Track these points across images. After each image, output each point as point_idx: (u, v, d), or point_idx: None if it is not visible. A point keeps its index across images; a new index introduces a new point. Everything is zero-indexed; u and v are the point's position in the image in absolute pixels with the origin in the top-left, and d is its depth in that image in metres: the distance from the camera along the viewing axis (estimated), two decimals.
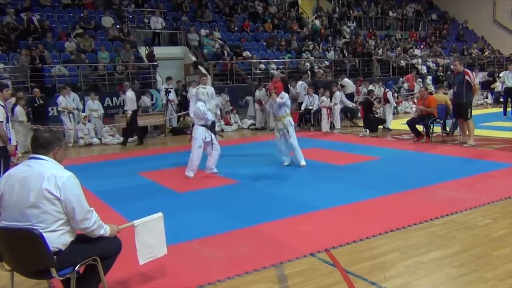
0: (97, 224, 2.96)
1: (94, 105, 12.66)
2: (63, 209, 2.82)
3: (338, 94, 13.15)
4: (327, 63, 19.03)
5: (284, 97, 7.75)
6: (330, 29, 22.23)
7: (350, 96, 14.52)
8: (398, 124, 12.82)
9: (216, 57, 16.99)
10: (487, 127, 11.41)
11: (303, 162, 7.90)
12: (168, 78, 14.21)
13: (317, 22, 21.78)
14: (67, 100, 12.35)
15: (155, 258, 3.50)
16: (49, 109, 12.79)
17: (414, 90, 17.49)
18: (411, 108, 16.00)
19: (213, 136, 7.55)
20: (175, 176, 7.67)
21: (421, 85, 15.02)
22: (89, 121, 12.62)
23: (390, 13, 25.37)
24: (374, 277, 3.55)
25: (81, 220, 2.87)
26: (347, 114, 14.34)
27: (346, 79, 15.35)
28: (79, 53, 14.90)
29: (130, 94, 11.87)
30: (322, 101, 12.83)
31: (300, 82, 14.32)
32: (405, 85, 17.86)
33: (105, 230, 3.03)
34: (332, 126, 13.10)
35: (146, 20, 17.78)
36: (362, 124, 12.55)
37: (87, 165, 9.31)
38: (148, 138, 13.18)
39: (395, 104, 13.07)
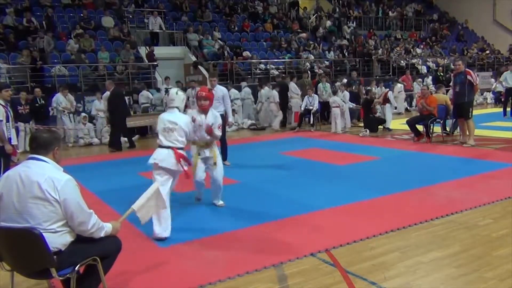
0: (96, 227, 2.94)
1: (101, 105, 12.57)
2: (62, 211, 2.82)
3: (346, 94, 13.14)
4: (327, 63, 19.04)
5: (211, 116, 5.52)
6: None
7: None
8: (398, 124, 12.82)
9: (216, 57, 16.99)
10: (487, 127, 11.40)
11: (220, 202, 5.77)
12: (166, 78, 14.26)
13: (329, 22, 21.85)
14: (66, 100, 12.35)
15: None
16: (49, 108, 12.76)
17: (412, 90, 17.51)
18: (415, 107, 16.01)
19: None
20: None
21: (421, 85, 15.05)
22: (95, 121, 12.61)
23: (390, 13, 25.36)
24: (374, 277, 3.55)
25: (79, 224, 2.87)
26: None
27: (343, 81, 15.37)
28: (79, 53, 14.90)
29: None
30: (334, 101, 12.74)
31: (243, 83, 15.16)
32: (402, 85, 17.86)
33: (106, 231, 3.03)
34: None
35: (146, 20, 17.77)
36: (362, 124, 12.55)
37: (87, 165, 9.30)
38: (148, 139, 13.16)
39: (395, 104, 13.09)
